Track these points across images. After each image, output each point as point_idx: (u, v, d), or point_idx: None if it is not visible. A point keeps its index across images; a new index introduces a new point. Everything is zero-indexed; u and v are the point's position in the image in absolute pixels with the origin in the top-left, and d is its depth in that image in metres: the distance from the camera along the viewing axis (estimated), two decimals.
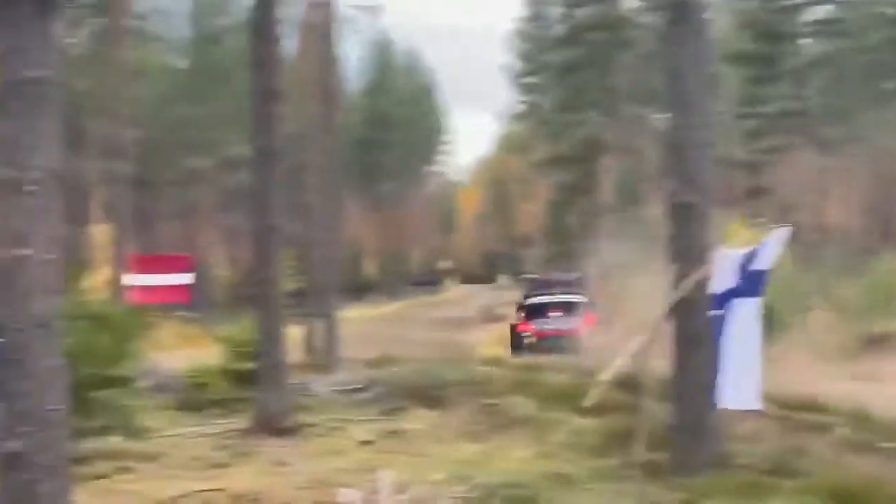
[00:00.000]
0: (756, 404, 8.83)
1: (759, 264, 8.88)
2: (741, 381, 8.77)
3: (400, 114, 73.47)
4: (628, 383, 9.86)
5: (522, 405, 13.07)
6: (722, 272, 9.15)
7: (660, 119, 53.72)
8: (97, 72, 41.00)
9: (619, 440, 9.42)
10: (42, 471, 4.92)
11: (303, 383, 15.23)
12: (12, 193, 4.95)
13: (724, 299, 8.90)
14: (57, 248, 5.00)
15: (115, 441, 10.72)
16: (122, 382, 11.49)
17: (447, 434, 11.76)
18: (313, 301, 21.96)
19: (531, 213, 70.30)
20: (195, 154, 51.11)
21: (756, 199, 46.06)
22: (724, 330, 8.95)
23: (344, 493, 8.22)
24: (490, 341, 37.26)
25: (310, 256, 22.25)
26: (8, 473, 4.97)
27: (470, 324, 44.58)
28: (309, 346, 21.75)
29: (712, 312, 8.74)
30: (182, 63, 57.14)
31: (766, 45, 41.42)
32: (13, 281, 4.91)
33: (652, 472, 8.40)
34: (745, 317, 9.06)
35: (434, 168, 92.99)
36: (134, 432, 11.18)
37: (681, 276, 8.53)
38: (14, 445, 4.93)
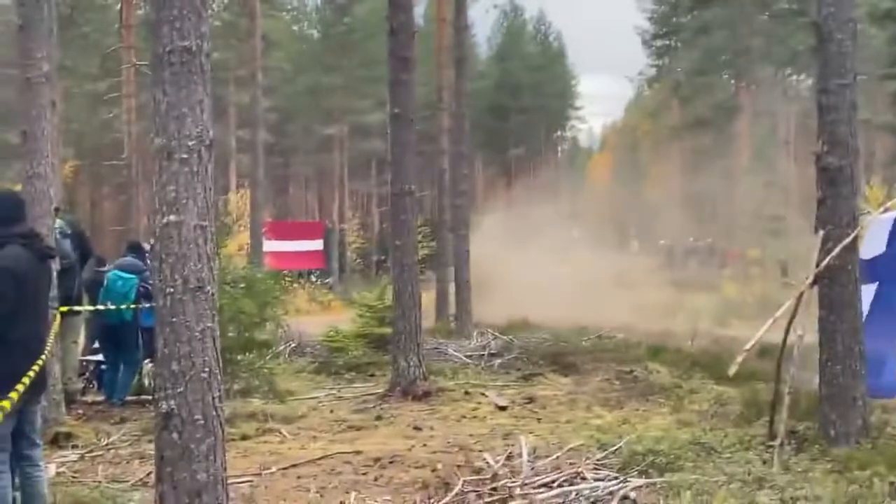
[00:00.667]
0: (891, 393, 8.53)
1: None
2: (879, 365, 8.48)
3: (529, 79, 73.02)
4: (772, 352, 9.65)
5: (658, 373, 12.93)
6: (872, 237, 8.86)
7: (795, 81, 52.31)
8: (232, 42, 41.98)
9: (761, 410, 9.23)
10: (196, 430, 5.07)
11: (437, 348, 15.36)
12: (166, 161, 5.08)
13: (881, 265, 8.60)
14: (209, 215, 5.12)
15: (256, 403, 10.99)
16: (264, 346, 11.76)
17: (583, 400, 11.70)
18: (444, 265, 22.06)
19: (663, 178, 69.21)
20: (327, 122, 51.83)
21: None
22: (893, 297, 8.61)
23: (481, 458, 8.25)
24: (624, 307, 36.92)
25: (442, 221, 22.32)
26: (163, 432, 5.14)
27: (603, 288, 44.17)
28: (441, 311, 21.88)
29: (865, 283, 8.46)
30: (314, 32, 57.91)
31: None
32: (168, 246, 5.05)
33: (797, 441, 8.21)
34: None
35: (564, 133, 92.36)
36: (274, 395, 11.44)
37: (829, 241, 8.27)
38: (169, 405, 5.09)
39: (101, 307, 11.46)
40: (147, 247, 12.35)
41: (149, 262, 12.12)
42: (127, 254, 12.38)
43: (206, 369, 5.09)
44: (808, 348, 8.73)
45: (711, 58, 47.42)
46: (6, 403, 4.99)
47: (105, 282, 11.69)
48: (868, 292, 8.79)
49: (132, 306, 11.44)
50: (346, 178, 53.23)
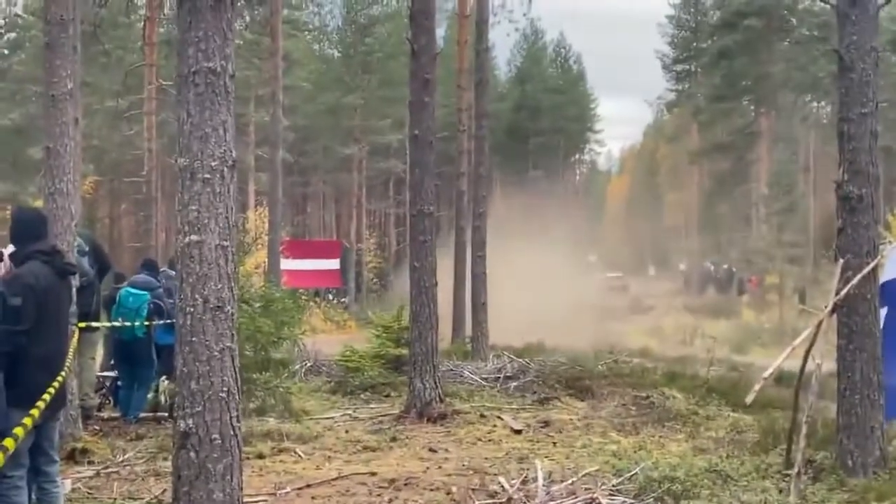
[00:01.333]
0: None
1: None
2: None
3: (549, 102, 73.18)
4: (789, 380, 9.61)
5: (675, 399, 12.88)
6: (890, 263, 8.82)
7: (816, 107, 52.23)
8: (253, 61, 42.21)
9: (778, 438, 9.19)
10: (214, 449, 5.08)
11: (453, 370, 15.35)
12: (189, 181, 5.12)
13: (884, 290, 8.57)
14: (231, 235, 5.15)
15: (272, 422, 11.00)
16: (280, 365, 11.79)
17: (599, 425, 11.66)
18: (461, 287, 22.08)
19: (681, 202, 69.18)
20: (346, 141, 52.03)
21: None
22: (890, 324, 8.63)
23: (496, 482, 8.23)
24: (640, 332, 36.90)
25: (460, 243, 22.34)
26: (181, 451, 5.16)
27: (619, 314, 44.15)
28: (457, 332, 21.88)
29: (882, 308, 8.44)
30: (335, 52, 58.22)
31: None
32: (189, 266, 5.09)
33: (814, 471, 8.16)
34: None
35: (583, 156, 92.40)
36: (290, 414, 11.46)
37: (848, 270, 8.24)
38: (188, 424, 5.11)
39: (114, 324, 11.51)
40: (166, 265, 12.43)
41: (161, 279, 12.20)
42: (141, 271, 12.44)
43: (225, 389, 5.12)
44: (826, 377, 8.70)
45: (731, 83, 47.43)
46: (28, 420, 5.03)
47: (117, 298, 11.76)
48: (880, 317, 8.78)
49: (145, 323, 11.48)
50: (364, 197, 53.40)
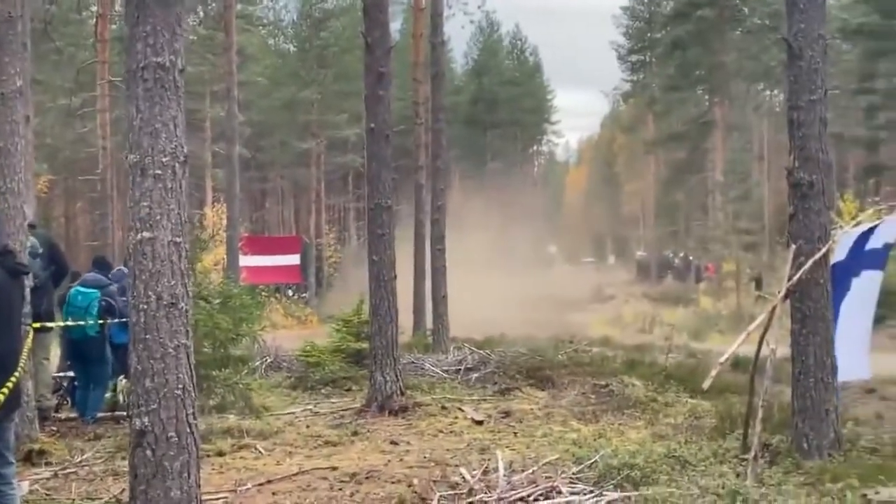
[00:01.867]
0: (865, 374, 8.66)
1: (876, 241, 8.67)
2: (851, 353, 8.63)
3: (506, 94, 73.32)
4: (745, 365, 9.70)
5: (634, 386, 12.98)
6: (840, 248, 8.97)
7: (769, 96, 52.73)
8: (207, 56, 41.94)
9: (735, 423, 9.29)
10: (170, 446, 5.06)
11: (414, 362, 15.35)
12: (140, 177, 5.08)
13: (837, 273, 8.73)
14: (183, 231, 5.12)
15: (232, 419, 10.95)
16: (240, 361, 11.73)
17: (559, 414, 11.73)
18: (421, 280, 22.08)
19: (638, 192, 69.65)
20: (304, 136, 51.83)
21: (872, 177, 44.82)
22: (837, 303, 8.78)
23: (457, 473, 8.25)
24: (600, 321, 37.07)
25: (420, 236, 22.32)
26: (137, 449, 5.12)
27: (579, 304, 44.33)
28: (418, 325, 21.89)
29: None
30: (290, 47, 57.96)
31: (884, 17, 40.03)
32: (142, 263, 5.05)
33: (771, 454, 8.26)
34: (863, 290, 8.89)
35: (540, 147, 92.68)
36: (250, 410, 11.40)
37: (801, 255, 8.34)
38: (143, 422, 5.08)
39: (65, 323, 11.39)
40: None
41: (117, 277, 12.08)
42: (92, 269, 12.30)
43: (180, 386, 5.09)
44: (781, 362, 8.80)
45: (685, 73, 47.76)
46: None
47: (67, 297, 11.64)
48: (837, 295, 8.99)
49: (98, 322, 11.37)
50: (323, 192, 53.21)
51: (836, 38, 40.36)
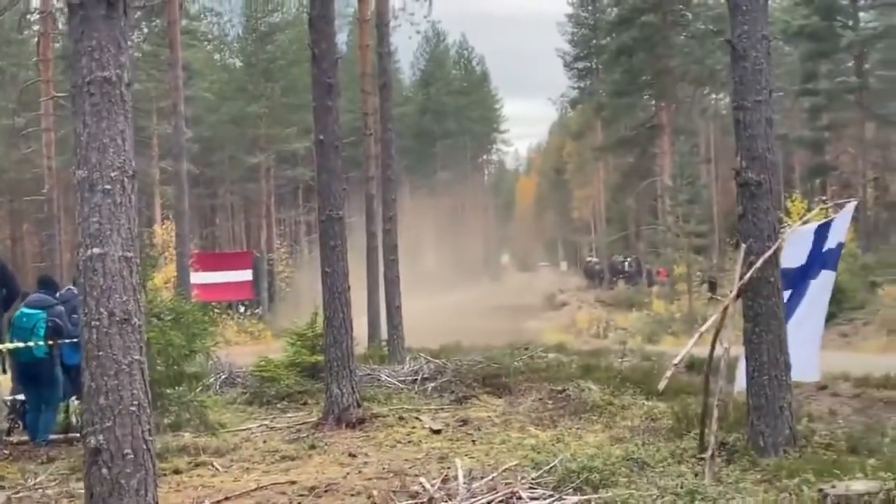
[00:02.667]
0: (815, 376, 8.75)
1: (831, 241, 8.80)
2: (802, 355, 8.73)
3: (454, 103, 73.53)
4: (700, 366, 9.78)
5: (590, 390, 13.03)
6: (792, 249, 9.08)
7: (714, 99, 53.32)
8: (153, 73, 41.64)
9: (691, 423, 9.37)
10: (126, 464, 4.99)
11: (370, 374, 15.30)
12: (88, 193, 5.02)
13: (795, 276, 8.86)
14: (134, 246, 5.06)
15: (187, 436, 10.85)
16: (194, 378, 11.63)
17: (517, 421, 11.75)
18: (375, 291, 22.04)
19: (589, 197, 70.09)
20: (252, 151, 51.60)
21: (818, 177, 45.44)
22: (794, 306, 8.90)
23: (417, 482, 8.22)
24: (554, 328, 37.24)
25: (372, 247, 22.29)
26: (92, 468, 5.05)
27: (533, 311, 44.50)
28: (373, 337, 21.83)
29: (784, 291, 8.68)
30: (236, 61, 57.73)
31: (824, 19, 40.65)
32: (93, 279, 4.99)
33: (727, 453, 8.33)
34: (815, 290, 9.02)
35: (490, 156, 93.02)
36: (206, 427, 11.31)
37: (751, 254, 8.43)
38: (98, 440, 5.01)
39: (10, 345, 11.21)
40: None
41: (65, 297, 11.91)
42: (38, 289, 12.09)
43: (135, 403, 5.03)
44: (734, 361, 8.89)
45: (632, 79, 48.13)
46: None
47: (11, 320, 11.46)
48: (794, 298, 9.08)
49: (43, 343, 11.20)
50: (273, 206, 52.97)
51: (778, 40, 40.92)
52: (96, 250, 4.96)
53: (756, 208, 8.50)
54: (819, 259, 9.08)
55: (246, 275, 43.31)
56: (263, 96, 51.02)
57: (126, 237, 5.02)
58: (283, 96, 51.67)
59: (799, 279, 9.01)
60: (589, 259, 68.53)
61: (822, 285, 9.10)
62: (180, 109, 26.29)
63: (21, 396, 12.09)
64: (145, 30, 45.42)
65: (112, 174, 5.02)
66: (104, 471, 4.97)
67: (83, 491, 5.35)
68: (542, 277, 65.24)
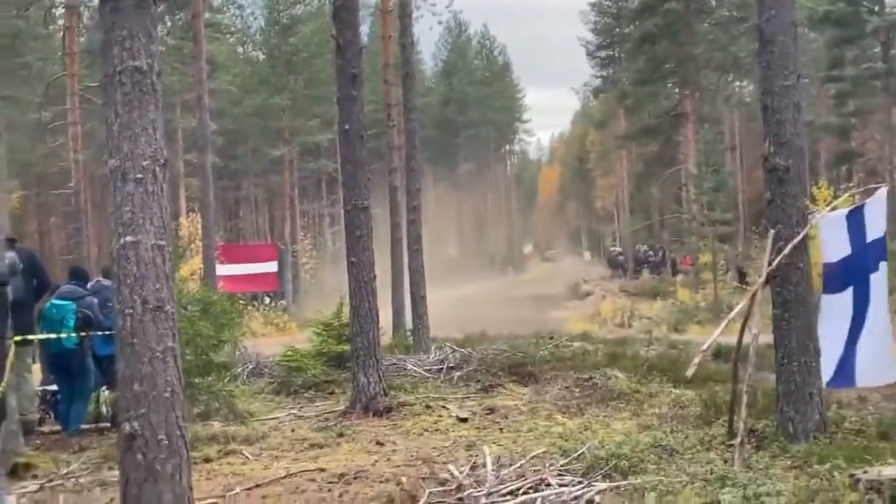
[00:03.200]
0: (892, 376, 8.55)
1: (872, 232, 8.62)
2: (877, 356, 8.47)
3: (476, 94, 73.44)
4: (727, 354, 9.75)
5: (617, 378, 13.01)
6: (830, 239, 8.91)
7: (738, 87, 53.00)
8: (177, 66, 41.79)
9: (720, 410, 9.35)
10: (161, 449, 5.03)
11: (396, 363, 15.34)
12: (121, 182, 5.06)
13: (847, 270, 8.65)
14: (166, 234, 5.10)
15: (216, 426, 10.91)
16: (222, 368, 11.67)
17: (544, 409, 11.75)
18: (400, 282, 22.07)
19: (612, 187, 69.88)
20: (276, 143, 51.73)
21: (844, 164, 45.13)
22: (864, 307, 8.62)
23: (446, 470, 8.25)
24: (578, 317, 37.16)
25: (396, 238, 22.32)
26: (127, 454, 5.10)
27: (556, 301, 44.44)
28: (398, 326, 21.86)
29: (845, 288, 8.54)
30: (259, 54, 57.88)
31: (850, 5, 40.32)
32: (126, 267, 5.03)
33: (757, 439, 8.32)
34: (880, 284, 8.71)
35: (513, 146, 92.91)
36: (235, 416, 11.36)
37: (779, 240, 8.40)
38: (133, 426, 5.05)
39: (43, 336, 11.29)
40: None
41: (96, 289, 12.00)
42: (69, 280, 12.20)
43: (169, 389, 5.07)
44: (763, 348, 8.86)
45: (655, 67, 47.87)
46: None
47: (42, 311, 11.55)
48: (844, 300, 8.75)
49: (74, 334, 11.28)
50: (297, 198, 53.09)
51: (803, 27, 40.63)
52: (129, 238, 5.00)
53: (784, 194, 8.46)
54: (870, 250, 8.77)
55: (271, 266, 43.40)
56: (286, 88, 51.13)
57: (158, 225, 5.06)
58: (306, 88, 51.77)
59: (856, 274, 8.74)
60: (612, 248, 68.34)
61: (881, 278, 8.79)
62: (205, 102, 26.40)
63: (53, 387, 12.20)
64: (169, 24, 45.58)
65: (144, 163, 5.06)
66: (139, 456, 5.01)
67: (116, 479, 5.40)
68: (565, 267, 65.12)
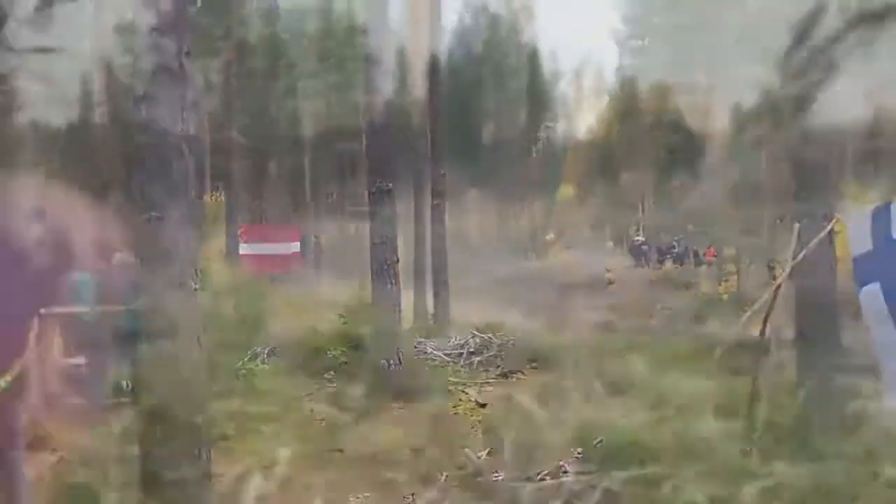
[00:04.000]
0: None
1: None
2: None
3: (502, 79, 73.22)
4: (749, 346, 9.69)
5: (638, 368, 12.95)
6: (855, 232, 8.80)
7: (769, 78, 52.66)
8: (206, 44, 41.80)
9: (741, 402, 9.29)
10: (181, 428, 5.06)
11: (416, 347, 15.34)
12: (152, 158, 5.08)
13: (876, 265, 8.52)
14: (192, 210, 5.12)
15: (235, 404, 10.93)
16: (242, 347, 11.71)
17: (563, 397, 11.71)
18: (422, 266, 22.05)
19: (637, 176, 69.56)
20: (301, 123, 51.68)
21: (874, 159, 44.77)
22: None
23: (464, 454, 8.26)
24: (600, 306, 36.97)
25: (419, 222, 22.28)
26: (148, 430, 5.13)
27: (578, 288, 44.24)
28: (419, 310, 21.85)
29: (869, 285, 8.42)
30: (287, 33, 57.81)
31: None
32: (152, 243, 5.05)
33: (776, 432, 8.27)
34: None
35: (539, 133, 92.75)
36: (255, 396, 11.39)
37: (804, 234, 8.33)
38: (154, 402, 5.08)
39: (65, 310, 11.32)
40: None
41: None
42: None
43: (190, 366, 5.09)
44: (786, 340, 8.81)
45: (686, 57, 47.54)
46: None
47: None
48: (872, 293, 8.56)
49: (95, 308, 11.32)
50: (322, 180, 53.05)
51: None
52: (155, 214, 5.02)
53: (811, 186, 8.40)
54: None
55: (293, 247, 43.38)
56: (315, 69, 51.06)
57: (184, 202, 5.08)
58: (334, 70, 51.71)
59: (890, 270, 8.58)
60: (636, 238, 68.06)
61: None
62: (231, 81, 26.39)
63: (75, 360, 12.25)
64: (198, 2, 45.63)
65: (174, 141, 5.07)
66: (160, 432, 5.05)
67: (136, 454, 5.43)
68: (587, 254, 65.02)
